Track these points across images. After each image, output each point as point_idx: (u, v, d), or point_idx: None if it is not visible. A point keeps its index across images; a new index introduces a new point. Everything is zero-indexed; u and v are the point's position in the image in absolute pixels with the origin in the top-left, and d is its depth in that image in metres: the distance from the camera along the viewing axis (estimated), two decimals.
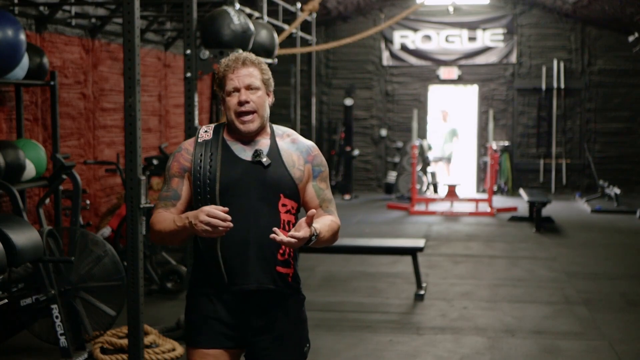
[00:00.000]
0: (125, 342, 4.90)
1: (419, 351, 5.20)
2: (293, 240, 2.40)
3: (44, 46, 6.60)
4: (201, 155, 2.59)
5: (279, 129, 2.71)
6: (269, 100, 2.66)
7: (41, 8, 6.58)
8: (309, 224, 2.42)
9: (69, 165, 5.42)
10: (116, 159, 7.56)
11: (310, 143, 2.72)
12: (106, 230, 6.69)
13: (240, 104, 2.57)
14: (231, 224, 2.41)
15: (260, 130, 2.63)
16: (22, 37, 5.13)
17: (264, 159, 2.58)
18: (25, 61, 5.51)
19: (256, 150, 2.59)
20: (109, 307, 4.97)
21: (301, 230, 2.42)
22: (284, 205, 2.59)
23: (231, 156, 2.59)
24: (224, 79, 2.59)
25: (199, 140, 2.63)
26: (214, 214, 2.38)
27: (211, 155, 2.58)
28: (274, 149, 2.62)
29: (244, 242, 2.54)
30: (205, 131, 2.66)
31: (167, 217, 2.56)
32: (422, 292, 6.57)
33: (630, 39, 12.48)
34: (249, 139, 2.62)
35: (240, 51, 5.57)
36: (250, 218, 2.55)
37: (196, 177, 2.57)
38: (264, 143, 2.63)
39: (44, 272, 4.68)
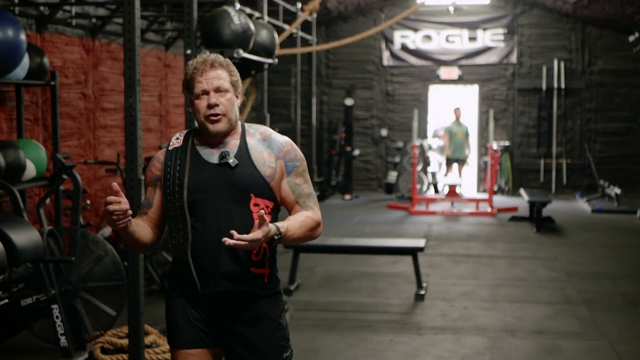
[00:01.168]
0: (125, 342, 4.90)
1: (419, 351, 5.20)
2: (241, 242, 2.37)
3: (44, 46, 6.61)
4: (170, 163, 2.59)
5: (251, 127, 2.68)
6: (238, 101, 2.62)
7: (41, 8, 6.58)
8: (261, 224, 2.39)
9: (70, 165, 5.42)
10: (116, 159, 7.56)
11: (284, 139, 2.67)
12: (107, 230, 6.69)
13: (210, 106, 2.54)
14: (127, 206, 2.38)
15: (229, 131, 2.61)
16: (23, 37, 5.14)
17: (231, 160, 2.55)
18: (25, 61, 5.51)
19: (222, 152, 2.57)
20: (109, 307, 4.96)
21: (253, 232, 2.40)
22: (256, 205, 2.55)
23: (199, 161, 2.58)
24: (192, 81, 2.56)
25: (169, 148, 2.63)
26: (110, 199, 2.36)
27: (179, 163, 2.58)
28: (243, 149, 2.59)
29: (216, 245, 2.51)
30: (177, 138, 2.65)
31: None
32: (422, 292, 6.57)
33: (631, 38, 12.48)
34: (217, 141, 2.60)
35: (242, 51, 5.57)
36: (222, 221, 2.53)
37: (166, 185, 2.58)
38: (233, 144, 2.60)
39: (45, 272, 4.68)
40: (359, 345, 5.31)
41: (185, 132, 2.68)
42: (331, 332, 5.60)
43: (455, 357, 5.08)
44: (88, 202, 7.01)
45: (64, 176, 5.45)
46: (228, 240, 2.37)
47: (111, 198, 2.37)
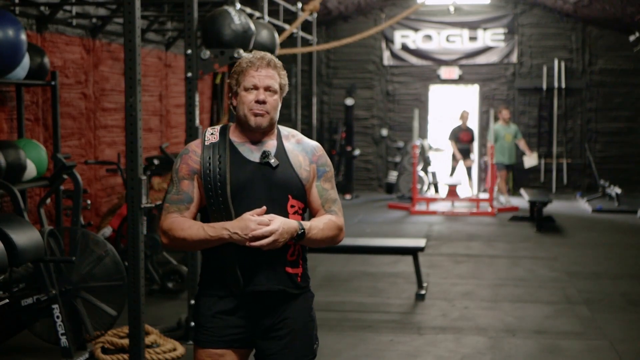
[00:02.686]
0: (126, 342, 4.90)
1: (420, 351, 5.20)
2: (264, 241, 2.48)
3: (44, 46, 6.60)
4: (209, 157, 2.59)
5: (284, 130, 2.73)
6: (279, 105, 2.67)
7: (42, 8, 6.58)
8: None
9: (70, 165, 5.42)
10: (117, 158, 7.56)
11: (315, 143, 2.74)
12: (107, 230, 6.70)
13: (258, 102, 2.58)
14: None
15: (267, 131, 2.64)
16: (23, 37, 5.13)
17: (272, 160, 2.59)
18: (26, 61, 5.51)
19: (264, 152, 2.61)
20: (110, 307, 4.96)
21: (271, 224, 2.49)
22: (292, 206, 2.61)
23: (239, 158, 2.61)
24: (244, 73, 2.60)
25: (205, 143, 2.63)
26: (260, 220, 2.48)
27: (219, 158, 2.58)
28: (281, 150, 2.64)
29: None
30: (212, 134, 2.66)
31: (193, 225, 2.57)
32: (423, 291, 6.57)
33: (631, 38, 12.46)
34: (256, 139, 2.63)
35: (242, 51, 5.56)
36: None
37: (206, 180, 2.57)
38: (271, 144, 2.65)
39: (45, 272, 4.68)
40: (360, 345, 5.31)
41: (218, 127, 2.69)
42: (331, 332, 5.60)
43: (456, 357, 5.08)
44: (88, 202, 7.00)
45: (65, 176, 5.45)
46: (253, 243, 2.46)
47: (266, 220, 2.48)
